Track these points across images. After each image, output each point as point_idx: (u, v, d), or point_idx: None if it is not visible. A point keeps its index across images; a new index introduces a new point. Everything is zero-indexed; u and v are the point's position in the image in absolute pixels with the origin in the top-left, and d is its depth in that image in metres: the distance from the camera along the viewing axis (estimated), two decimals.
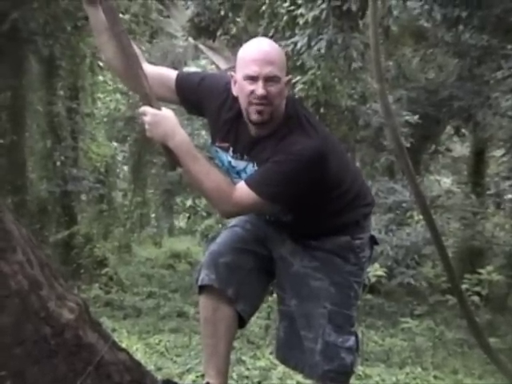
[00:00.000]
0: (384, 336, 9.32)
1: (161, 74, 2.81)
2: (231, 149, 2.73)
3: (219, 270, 2.83)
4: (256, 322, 8.58)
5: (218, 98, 2.73)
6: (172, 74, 2.82)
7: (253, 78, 2.54)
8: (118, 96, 18.11)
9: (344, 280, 2.83)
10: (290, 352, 2.98)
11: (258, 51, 2.57)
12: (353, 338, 2.87)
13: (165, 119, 2.58)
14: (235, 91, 2.65)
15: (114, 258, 13.55)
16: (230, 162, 2.76)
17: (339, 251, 2.82)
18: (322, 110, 10.21)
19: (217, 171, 2.64)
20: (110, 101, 18.29)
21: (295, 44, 8.90)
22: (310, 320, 2.84)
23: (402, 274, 10.15)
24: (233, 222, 3.02)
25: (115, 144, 19.30)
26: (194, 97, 2.78)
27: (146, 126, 2.59)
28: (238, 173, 2.74)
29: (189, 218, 19.17)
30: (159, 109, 2.60)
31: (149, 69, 2.75)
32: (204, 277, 2.85)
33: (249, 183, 2.59)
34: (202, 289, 2.87)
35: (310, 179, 2.58)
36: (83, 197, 14.30)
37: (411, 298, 11.86)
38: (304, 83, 9.65)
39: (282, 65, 2.60)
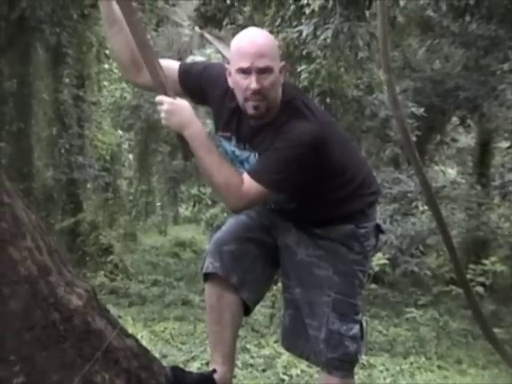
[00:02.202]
0: (388, 326, 9.37)
1: (164, 65, 2.79)
2: (235, 138, 2.74)
3: (223, 257, 2.84)
4: (260, 311, 8.62)
5: (220, 87, 2.73)
6: (174, 64, 2.83)
7: (246, 72, 2.54)
8: (124, 84, 18.10)
9: (348, 269, 2.83)
10: (295, 340, 3.00)
11: (250, 44, 2.56)
12: (357, 327, 2.86)
13: (181, 108, 2.59)
14: (231, 83, 2.65)
15: (120, 245, 13.59)
16: (233, 152, 2.76)
17: (344, 240, 2.82)
18: (328, 100, 10.22)
19: (229, 165, 2.63)
20: (116, 89, 18.29)
21: (301, 33, 8.89)
22: (314, 308, 2.85)
23: (406, 262, 10.17)
24: None
25: (120, 132, 19.31)
26: (198, 86, 2.79)
27: (163, 115, 2.59)
28: (242, 162, 2.74)
29: (194, 206, 19.16)
30: (174, 98, 2.61)
31: None
32: (208, 265, 2.85)
33: (251, 174, 2.59)
34: (207, 276, 2.88)
35: (310, 163, 2.58)
36: (89, 185, 14.34)
37: (415, 288, 11.90)
38: (310, 72, 9.64)
39: (274, 54, 2.59)
